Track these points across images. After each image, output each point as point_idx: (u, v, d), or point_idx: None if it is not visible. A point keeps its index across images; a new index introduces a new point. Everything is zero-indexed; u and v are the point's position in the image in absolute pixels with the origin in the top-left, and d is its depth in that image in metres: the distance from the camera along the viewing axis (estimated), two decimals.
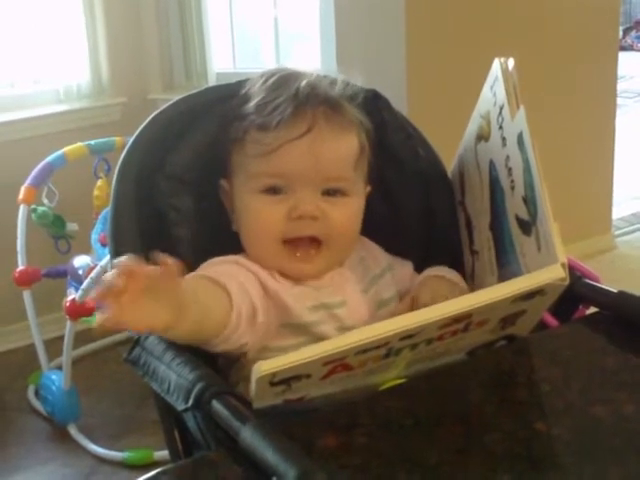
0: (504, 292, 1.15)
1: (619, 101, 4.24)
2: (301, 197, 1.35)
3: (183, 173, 1.44)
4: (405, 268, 1.51)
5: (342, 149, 1.38)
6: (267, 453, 0.97)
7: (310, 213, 1.35)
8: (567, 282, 1.16)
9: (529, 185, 1.26)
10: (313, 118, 1.35)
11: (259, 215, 1.37)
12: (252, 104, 1.38)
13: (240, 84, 1.45)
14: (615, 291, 1.35)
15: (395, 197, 1.54)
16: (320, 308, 1.37)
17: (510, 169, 1.32)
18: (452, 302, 1.15)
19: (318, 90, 1.37)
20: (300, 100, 1.35)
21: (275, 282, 1.37)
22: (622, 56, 4.30)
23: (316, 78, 1.39)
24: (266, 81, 1.39)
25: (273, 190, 1.36)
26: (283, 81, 1.38)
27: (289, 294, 1.36)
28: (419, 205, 1.55)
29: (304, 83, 1.36)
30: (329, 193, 1.37)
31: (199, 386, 1.14)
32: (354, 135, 1.40)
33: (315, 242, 1.37)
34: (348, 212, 1.39)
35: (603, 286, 1.39)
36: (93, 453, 2.82)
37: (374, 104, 1.50)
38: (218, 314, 1.26)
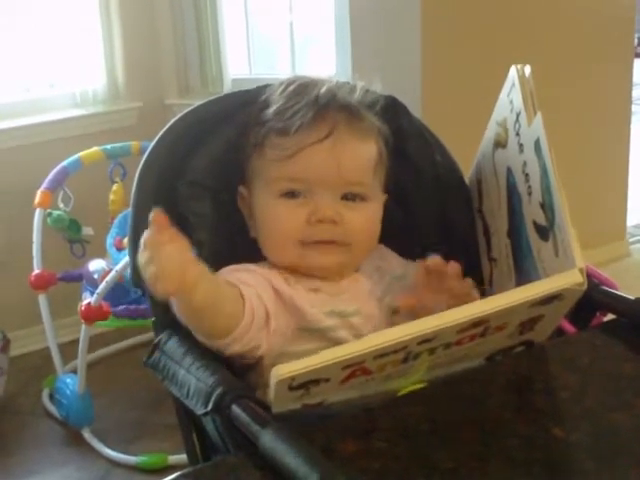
0: (521, 297, 1.15)
1: (634, 108, 4.23)
2: (321, 201, 1.36)
3: (203, 179, 1.45)
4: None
5: (362, 154, 1.39)
6: (287, 457, 0.97)
7: (330, 217, 1.36)
8: (585, 287, 1.16)
9: (547, 190, 1.26)
10: (333, 123, 1.36)
11: (278, 219, 1.37)
12: (271, 110, 1.39)
13: (259, 90, 1.46)
14: (632, 298, 1.35)
15: (412, 203, 1.54)
16: (335, 315, 1.37)
17: (527, 175, 1.33)
18: (469, 306, 1.15)
19: (338, 96, 1.38)
20: (320, 105, 1.36)
21: (289, 288, 1.37)
22: (637, 63, 4.29)
23: (335, 85, 1.40)
24: (285, 88, 1.40)
25: (292, 194, 1.37)
26: (302, 88, 1.39)
27: (305, 300, 1.36)
28: (436, 212, 1.55)
29: (324, 89, 1.37)
30: (348, 198, 1.38)
31: (219, 390, 1.14)
32: (373, 142, 1.41)
33: (334, 244, 1.38)
34: (367, 217, 1.40)
35: (620, 293, 1.39)
36: (107, 457, 2.82)
37: (392, 110, 1.50)
38: (231, 307, 1.28)
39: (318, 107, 1.36)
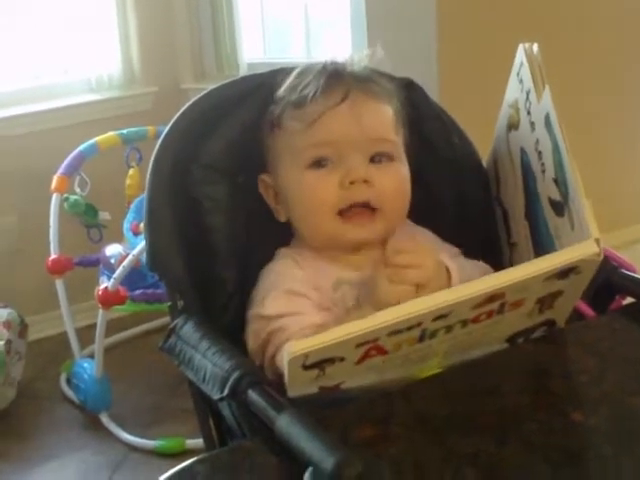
0: (536, 269, 1.13)
1: None
2: (351, 163, 1.35)
3: (218, 162, 1.44)
4: (450, 250, 1.48)
5: (381, 112, 1.39)
6: (303, 442, 0.97)
7: (362, 177, 1.35)
8: (601, 257, 1.14)
9: (559, 165, 1.26)
10: (347, 87, 1.36)
11: (312, 190, 1.37)
12: (282, 89, 1.40)
13: (273, 74, 1.46)
14: None
15: (429, 183, 1.53)
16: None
17: (540, 152, 1.32)
18: (484, 279, 1.14)
19: (345, 65, 1.40)
20: (330, 72, 1.38)
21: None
22: None
23: (340, 57, 1.42)
24: (299, 68, 1.42)
25: (320, 163, 1.36)
26: (310, 65, 1.41)
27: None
28: (453, 192, 1.55)
29: (330, 60, 1.40)
30: (375, 160, 1.37)
31: (235, 375, 1.14)
32: (387, 103, 1.41)
33: (369, 210, 1.37)
34: (397, 177, 1.39)
35: None
36: (125, 441, 2.83)
37: (409, 92, 1.50)
38: None
39: (328, 74, 1.37)
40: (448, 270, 1.35)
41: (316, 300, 1.34)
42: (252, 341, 1.35)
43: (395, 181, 1.39)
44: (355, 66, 1.40)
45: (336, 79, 1.37)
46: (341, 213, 1.36)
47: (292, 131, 1.38)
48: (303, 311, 1.32)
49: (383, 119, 1.39)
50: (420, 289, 1.27)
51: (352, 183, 1.35)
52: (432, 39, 3.24)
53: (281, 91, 1.40)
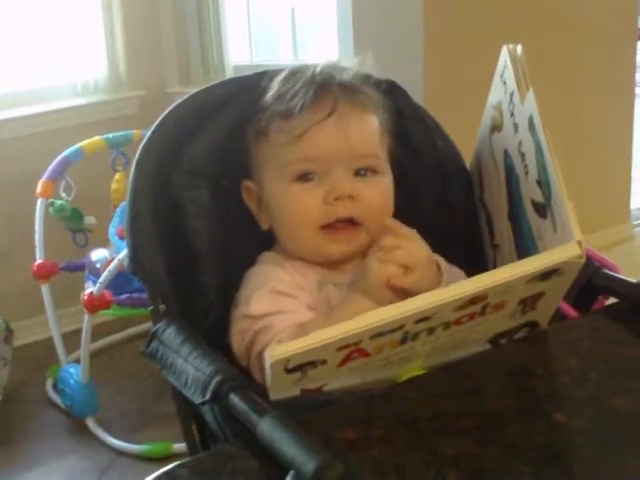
0: (518, 270, 1.13)
1: (637, 90, 4.21)
2: (335, 178, 1.35)
3: (200, 167, 1.44)
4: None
5: (367, 126, 1.39)
6: (285, 446, 0.97)
7: (347, 193, 1.35)
8: (583, 259, 1.15)
9: (542, 166, 1.26)
10: (334, 99, 1.35)
11: (296, 204, 1.36)
12: (269, 95, 1.39)
13: (258, 76, 1.45)
14: (634, 281, 1.34)
15: (413, 188, 1.53)
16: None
17: (523, 154, 1.32)
18: (466, 282, 1.15)
19: (334, 74, 1.38)
20: (318, 84, 1.36)
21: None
22: None
23: (329, 64, 1.41)
24: (280, 74, 1.40)
25: (305, 177, 1.36)
26: (296, 70, 1.39)
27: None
28: (436, 196, 1.55)
29: (319, 69, 1.38)
30: (360, 173, 1.37)
31: (216, 379, 1.14)
32: (374, 113, 1.40)
33: (352, 225, 1.37)
34: (381, 190, 1.39)
35: (622, 276, 1.39)
36: (111, 446, 2.82)
37: (392, 95, 1.49)
38: None
39: (317, 85, 1.36)
40: (438, 265, 1.36)
41: (302, 299, 1.34)
42: (238, 341, 1.34)
43: (379, 195, 1.39)
44: (344, 74, 1.39)
45: (324, 90, 1.36)
46: (324, 227, 1.36)
47: (278, 143, 1.37)
48: (289, 309, 1.32)
49: (369, 133, 1.39)
50: (409, 272, 1.29)
51: (337, 199, 1.35)
52: (418, 42, 3.24)
53: (267, 98, 1.39)
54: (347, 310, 1.27)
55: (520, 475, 0.98)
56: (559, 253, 1.15)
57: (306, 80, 1.37)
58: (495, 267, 1.49)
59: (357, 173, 1.37)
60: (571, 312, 1.37)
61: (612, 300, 1.39)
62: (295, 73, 1.39)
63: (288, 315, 1.31)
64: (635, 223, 4.19)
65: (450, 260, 1.47)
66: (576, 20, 3.65)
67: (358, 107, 1.38)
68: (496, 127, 1.43)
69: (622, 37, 3.88)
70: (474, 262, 1.48)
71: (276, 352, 1.06)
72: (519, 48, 1.35)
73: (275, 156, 1.38)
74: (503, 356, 1.26)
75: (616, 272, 1.40)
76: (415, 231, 1.37)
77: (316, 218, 1.35)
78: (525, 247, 1.36)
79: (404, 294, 1.27)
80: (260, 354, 1.29)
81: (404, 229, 1.35)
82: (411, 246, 1.32)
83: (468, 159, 1.57)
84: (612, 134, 3.92)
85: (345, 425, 1.07)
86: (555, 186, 1.22)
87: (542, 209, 1.28)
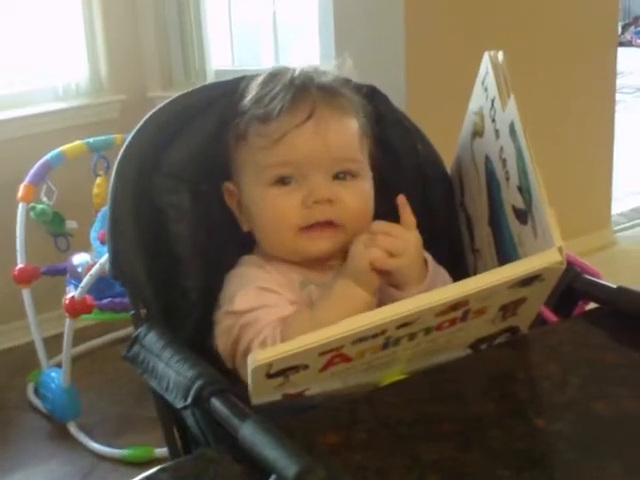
0: (500, 277, 1.14)
1: (618, 97, 4.23)
2: (314, 182, 1.35)
3: (180, 171, 1.43)
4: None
5: (346, 130, 1.39)
6: (266, 450, 0.97)
7: (326, 197, 1.35)
8: (564, 266, 1.15)
9: (523, 173, 1.26)
10: (313, 102, 1.35)
11: (273, 207, 1.36)
12: (248, 99, 1.39)
13: (237, 81, 1.45)
14: (615, 286, 1.35)
15: (392, 191, 1.52)
16: None
17: (504, 160, 1.33)
18: (448, 288, 1.15)
19: (313, 77, 1.38)
20: (297, 87, 1.36)
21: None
22: (621, 52, 4.29)
23: (308, 67, 1.41)
24: (259, 77, 1.40)
25: (283, 181, 1.36)
26: (275, 73, 1.40)
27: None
28: (417, 200, 1.54)
29: (297, 72, 1.38)
30: (339, 177, 1.37)
31: (198, 383, 1.13)
32: (353, 116, 1.40)
33: (332, 226, 1.37)
34: (360, 194, 1.39)
35: (603, 282, 1.39)
36: (93, 451, 2.82)
37: (372, 99, 1.50)
38: None
39: (295, 88, 1.36)
40: (426, 261, 1.37)
41: (285, 296, 1.34)
42: (223, 342, 1.34)
43: (358, 199, 1.38)
44: (322, 77, 1.39)
45: (302, 93, 1.36)
46: (303, 229, 1.36)
47: (256, 147, 1.37)
48: (273, 304, 1.32)
49: (348, 137, 1.39)
50: (394, 259, 1.30)
51: (315, 203, 1.35)
52: (400, 47, 3.25)
53: (246, 102, 1.39)
54: (332, 295, 1.29)
55: (500, 479, 0.99)
56: (540, 259, 1.15)
57: (284, 83, 1.36)
58: (476, 272, 1.49)
59: (336, 177, 1.37)
60: (551, 317, 1.37)
61: (592, 305, 1.39)
62: (274, 76, 1.39)
63: (272, 309, 1.31)
64: (616, 229, 4.21)
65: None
66: (557, 26, 3.67)
67: (337, 110, 1.38)
68: (477, 133, 1.43)
69: (603, 43, 3.90)
70: (455, 266, 1.49)
71: (258, 357, 1.06)
72: (500, 54, 1.35)
73: (253, 160, 1.38)
74: (484, 361, 1.26)
75: (598, 278, 1.40)
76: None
77: (294, 222, 1.35)
78: (506, 253, 1.37)
79: (389, 278, 1.29)
80: (246, 352, 1.28)
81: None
82: (401, 233, 1.32)
83: (449, 164, 1.58)
84: (593, 140, 3.94)
85: (327, 430, 1.07)
86: (536, 192, 1.23)
87: (523, 215, 1.28)
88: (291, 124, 1.34)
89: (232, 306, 1.34)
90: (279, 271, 1.38)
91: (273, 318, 1.29)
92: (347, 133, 1.39)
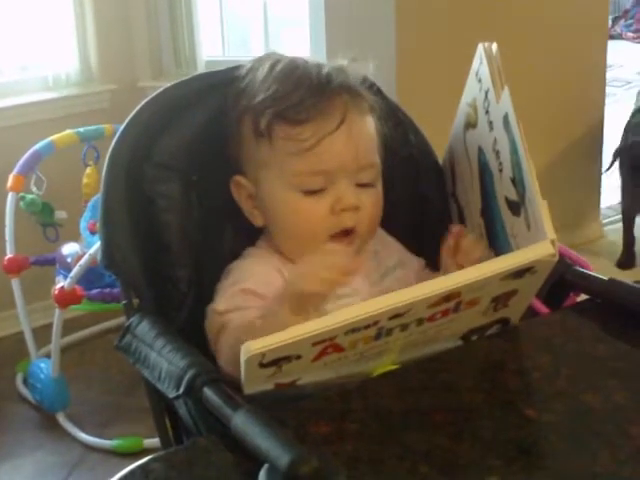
0: (492, 269, 1.15)
1: (608, 90, 4.24)
2: (342, 189, 1.33)
3: (171, 160, 1.43)
4: (414, 264, 1.49)
5: (370, 134, 1.38)
6: (259, 440, 0.97)
7: (354, 204, 1.34)
8: (556, 258, 1.16)
9: (516, 165, 1.26)
10: (344, 107, 1.34)
11: (304, 215, 1.35)
12: (267, 95, 1.35)
13: (229, 71, 1.44)
14: (605, 278, 1.35)
15: (385, 182, 1.52)
16: (331, 298, 1.35)
17: (498, 152, 1.33)
18: (440, 279, 1.15)
19: (339, 78, 1.35)
20: (325, 89, 1.33)
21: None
22: (611, 45, 4.30)
23: (329, 67, 1.37)
24: (272, 69, 1.37)
25: (312, 189, 1.34)
26: (292, 68, 1.36)
27: None
28: (409, 191, 1.55)
29: (324, 72, 1.35)
30: (362, 183, 1.36)
31: (190, 373, 1.14)
32: (372, 118, 1.39)
33: (352, 233, 1.36)
34: (379, 200, 1.40)
35: (593, 273, 1.40)
36: (82, 441, 2.82)
37: (381, 96, 1.48)
38: None
39: (325, 91, 1.33)
40: None
41: (268, 297, 1.33)
42: (209, 335, 1.34)
43: (377, 205, 1.39)
44: (346, 77, 1.37)
45: (333, 97, 1.33)
46: (331, 237, 1.35)
47: (285, 151, 1.34)
48: (248, 306, 1.31)
49: (372, 141, 1.38)
50: None
51: (343, 210, 1.34)
52: (391, 37, 3.25)
53: (261, 95, 1.35)
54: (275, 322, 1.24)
55: (491, 469, 0.99)
56: (533, 252, 1.16)
57: (311, 85, 1.33)
58: None
59: (359, 183, 1.36)
60: (542, 308, 1.38)
61: (583, 297, 1.40)
62: (292, 71, 1.35)
63: (246, 312, 1.30)
64: (605, 221, 4.22)
65: (424, 254, 1.48)
66: (548, 19, 3.67)
67: (363, 114, 1.37)
68: (470, 124, 1.43)
69: (594, 36, 3.91)
70: None
71: (252, 347, 1.06)
72: (494, 46, 1.35)
73: (280, 163, 1.35)
74: (475, 352, 1.27)
75: (588, 269, 1.41)
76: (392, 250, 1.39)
77: (324, 228, 1.34)
78: (498, 243, 1.37)
79: None
80: (220, 351, 1.29)
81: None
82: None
83: (439, 155, 1.58)
84: (583, 132, 3.95)
85: (319, 419, 1.08)
86: (529, 185, 1.23)
87: (516, 207, 1.29)
88: (324, 130, 1.32)
89: (215, 305, 1.34)
90: (286, 267, 1.37)
91: (243, 321, 1.28)
92: (371, 137, 1.39)
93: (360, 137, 1.35)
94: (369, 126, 1.38)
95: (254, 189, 1.40)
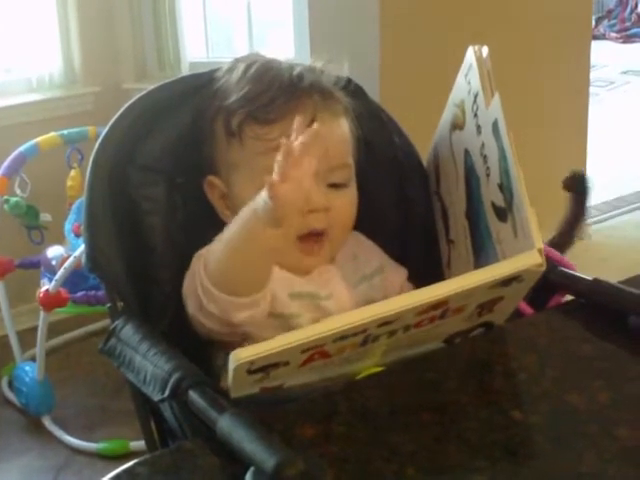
0: (480, 278, 1.16)
1: (592, 90, 4.25)
2: (311, 190, 1.31)
3: (155, 163, 1.42)
4: (397, 275, 1.48)
5: (343, 135, 1.38)
6: (245, 442, 0.97)
7: (323, 205, 1.34)
8: (544, 268, 1.17)
9: (504, 172, 1.26)
10: (314, 107, 1.33)
11: None
12: (239, 95, 1.35)
13: (212, 73, 1.44)
14: (590, 279, 1.35)
15: (369, 185, 1.51)
16: (305, 297, 1.35)
17: (485, 157, 1.33)
18: (429, 289, 1.15)
19: (311, 79, 1.35)
20: (297, 89, 1.33)
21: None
22: (595, 45, 4.31)
23: (302, 67, 1.38)
24: (247, 70, 1.37)
25: None
26: (265, 70, 1.36)
27: (275, 278, 1.32)
28: (393, 193, 1.54)
29: (295, 72, 1.35)
30: (333, 184, 1.36)
31: (175, 376, 1.13)
32: (346, 120, 1.39)
33: (321, 235, 1.36)
34: (351, 201, 1.39)
35: (578, 274, 1.40)
36: (68, 444, 2.81)
37: (354, 95, 1.48)
38: (265, 268, 1.27)
39: (296, 91, 1.33)
40: None
41: None
42: (187, 282, 1.33)
43: (349, 207, 1.39)
44: (318, 77, 1.37)
45: (303, 97, 1.33)
46: (299, 238, 1.35)
47: (254, 151, 1.34)
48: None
49: (344, 142, 1.38)
50: None
51: (311, 211, 1.33)
52: (374, 39, 3.25)
53: (239, 97, 1.35)
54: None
55: (477, 470, 0.99)
56: (520, 261, 1.17)
57: (282, 84, 1.34)
58: (449, 262, 1.50)
59: (330, 183, 1.36)
60: (527, 309, 1.38)
61: (568, 297, 1.40)
62: (264, 74, 1.36)
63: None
64: (590, 221, 4.23)
65: (407, 254, 1.49)
66: (532, 20, 3.68)
67: (335, 115, 1.36)
68: (457, 125, 1.43)
69: (577, 37, 3.92)
70: (430, 258, 1.49)
71: (241, 355, 1.07)
72: (485, 50, 1.34)
73: (249, 162, 1.35)
74: (461, 354, 1.27)
75: (572, 270, 1.41)
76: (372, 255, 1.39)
77: (292, 230, 1.32)
78: (482, 247, 1.37)
79: None
80: (205, 286, 1.27)
81: None
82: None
83: (423, 156, 1.57)
84: (567, 133, 3.96)
85: (305, 422, 1.08)
86: (517, 192, 1.23)
87: (502, 213, 1.29)
88: (292, 130, 1.30)
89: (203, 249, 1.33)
90: None
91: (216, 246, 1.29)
92: (343, 138, 1.38)
93: (331, 138, 1.34)
94: (342, 127, 1.38)
95: (226, 189, 1.40)
